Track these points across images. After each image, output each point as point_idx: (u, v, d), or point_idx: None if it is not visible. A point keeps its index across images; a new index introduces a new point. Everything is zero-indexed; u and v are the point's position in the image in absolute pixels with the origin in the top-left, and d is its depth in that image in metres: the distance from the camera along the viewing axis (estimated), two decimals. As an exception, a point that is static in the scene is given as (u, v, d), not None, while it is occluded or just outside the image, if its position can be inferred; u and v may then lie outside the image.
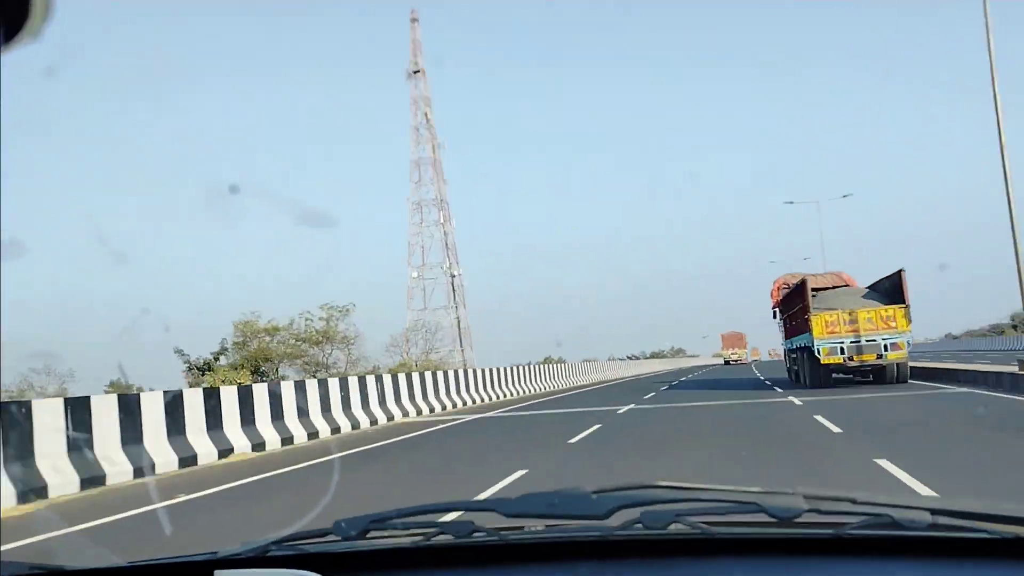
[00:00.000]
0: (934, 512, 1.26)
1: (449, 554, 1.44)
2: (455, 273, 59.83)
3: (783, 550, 1.31)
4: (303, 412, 15.16)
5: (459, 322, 59.80)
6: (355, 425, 16.83)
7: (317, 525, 1.52)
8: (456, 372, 24.37)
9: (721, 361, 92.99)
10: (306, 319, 29.06)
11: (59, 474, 9.42)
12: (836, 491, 1.35)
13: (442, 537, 1.42)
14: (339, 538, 1.44)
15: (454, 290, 60.37)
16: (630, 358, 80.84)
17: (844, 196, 45.86)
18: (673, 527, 1.32)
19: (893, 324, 19.58)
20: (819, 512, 1.30)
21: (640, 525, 1.32)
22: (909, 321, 19.51)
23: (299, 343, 28.90)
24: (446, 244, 59.64)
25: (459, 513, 1.49)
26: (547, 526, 1.46)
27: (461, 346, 59.04)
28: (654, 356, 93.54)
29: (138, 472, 10.61)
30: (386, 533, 1.47)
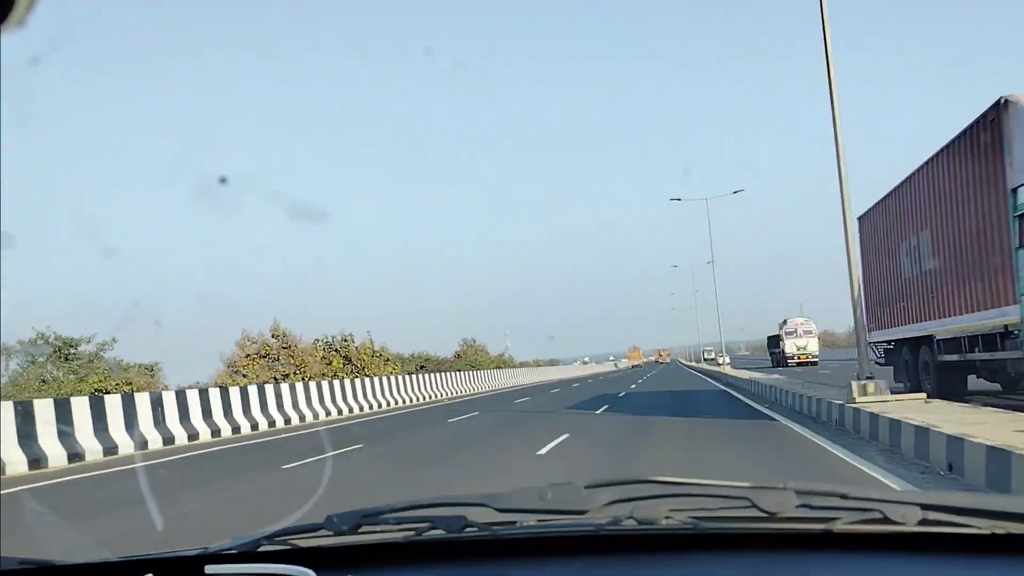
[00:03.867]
0: (924, 507, 1.26)
1: (441, 549, 1.44)
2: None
3: (774, 545, 1.31)
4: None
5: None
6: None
7: (308, 520, 1.51)
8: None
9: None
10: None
11: None
12: (827, 486, 1.35)
13: (434, 532, 1.41)
14: (330, 533, 1.44)
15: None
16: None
17: (735, 192, 47.22)
18: (664, 522, 1.32)
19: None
20: (809, 507, 1.30)
21: (632, 520, 1.32)
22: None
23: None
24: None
25: (451, 508, 1.49)
26: (539, 521, 1.46)
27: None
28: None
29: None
30: (378, 528, 1.46)
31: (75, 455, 13.59)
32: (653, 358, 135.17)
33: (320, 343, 34.69)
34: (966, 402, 10.90)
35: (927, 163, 13.43)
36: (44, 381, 24.82)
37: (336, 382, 24.91)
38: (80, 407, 14.38)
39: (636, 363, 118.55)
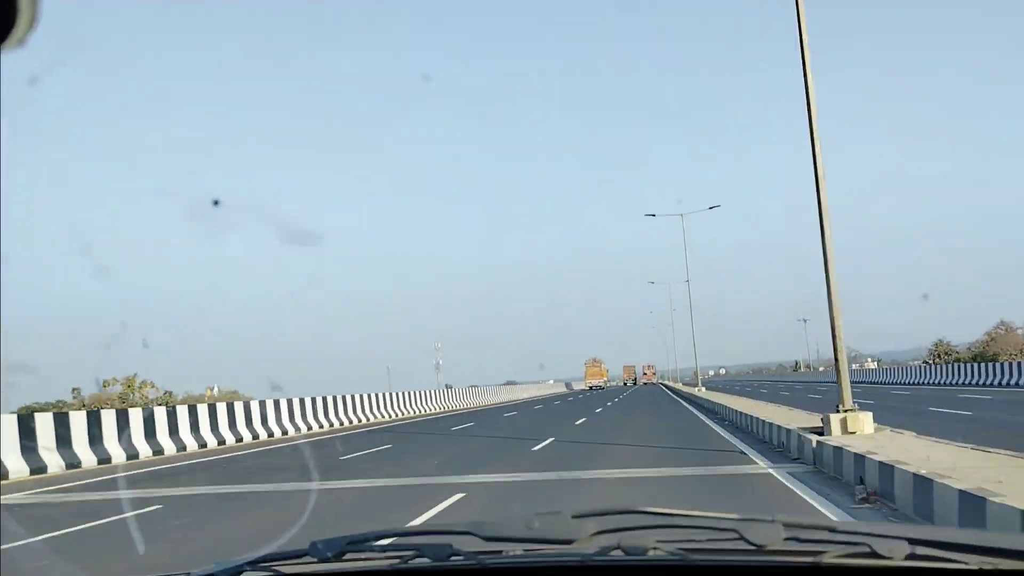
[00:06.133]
0: (912, 541, 1.26)
1: None
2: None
3: None
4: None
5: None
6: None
7: (294, 546, 1.50)
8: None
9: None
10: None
11: None
12: (814, 519, 1.34)
13: (420, 560, 1.40)
14: (315, 560, 1.42)
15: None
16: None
17: (711, 207, 44.78)
18: (652, 553, 1.31)
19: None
20: (797, 540, 1.30)
21: (619, 550, 1.31)
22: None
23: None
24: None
25: (437, 536, 1.47)
26: (526, 550, 1.45)
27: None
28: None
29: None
30: (363, 555, 1.45)
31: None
32: (624, 378, 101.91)
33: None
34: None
35: None
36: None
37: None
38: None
39: (595, 382, 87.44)
